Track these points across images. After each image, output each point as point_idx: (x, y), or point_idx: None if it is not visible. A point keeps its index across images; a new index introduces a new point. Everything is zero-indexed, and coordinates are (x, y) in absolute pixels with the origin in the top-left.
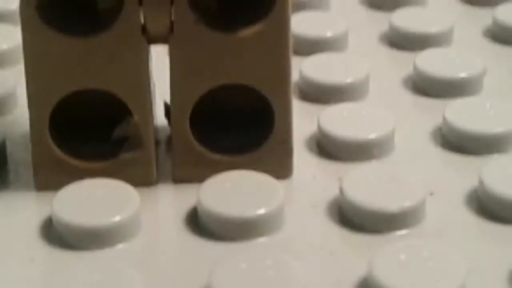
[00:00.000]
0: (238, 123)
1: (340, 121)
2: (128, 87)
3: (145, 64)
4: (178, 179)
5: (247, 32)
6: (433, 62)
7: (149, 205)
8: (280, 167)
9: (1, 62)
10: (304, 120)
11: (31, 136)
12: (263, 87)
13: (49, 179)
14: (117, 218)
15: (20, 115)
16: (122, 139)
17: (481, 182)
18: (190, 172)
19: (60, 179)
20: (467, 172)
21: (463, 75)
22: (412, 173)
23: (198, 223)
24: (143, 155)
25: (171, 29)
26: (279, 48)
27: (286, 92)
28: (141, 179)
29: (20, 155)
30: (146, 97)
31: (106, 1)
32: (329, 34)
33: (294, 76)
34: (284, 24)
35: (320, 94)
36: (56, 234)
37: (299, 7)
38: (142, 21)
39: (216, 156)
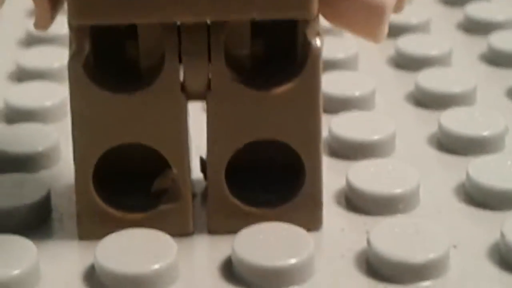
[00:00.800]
0: (271, 177)
1: (367, 176)
2: (167, 141)
3: (184, 120)
4: (213, 230)
5: (280, 90)
6: (457, 121)
7: (186, 254)
8: (310, 220)
9: (46, 118)
10: (333, 175)
11: (75, 187)
12: (294, 143)
13: (91, 228)
14: (156, 266)
15: (64, 168)
16: (161, 191)
17: (502, 236)
18: (225, 224)
19: (103, 229)
20: (489, 226)
21: (485, 133)
22: (436, 227)
23: (233, 272)
24: (181, 207)
25: (209, 86)
26: (310, 105)
27: (316, 148)
28: (179, 229)
29: (64, 206)
30: (184, 152)
31: (147, 59)
32: (357, 93)
33: (324, 133)
34: (315, 83)
35: (349, 150)
36: (98, 282)
37: (329, 67)
38: (181, 78)
39: (250, 209)
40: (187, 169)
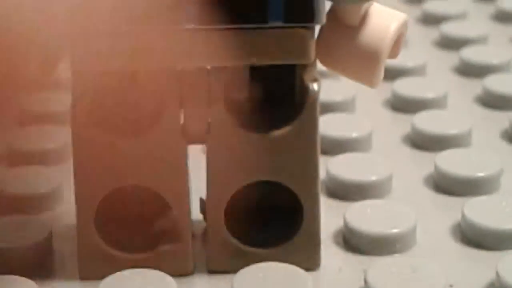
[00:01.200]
0: (270, 217)
1: (364, 216)
2: (167, 184)
3: (184, 163)
4: (213, 269)
5: (279, 133)
6: (453, 162)
7: None
8: (309, 259)
9: (48, 161)
10: (330, 215)
11: (77, 229)
12: (293, 184)
13: (93, 269)
14: None
15: (66, 209)
16: (161, 232)
17: (498, 276)
18: (224, 263)
19: (104, 269)
20: (484, 266)
21: (481, 174)
22: (432, 266)
23: None
24: (181, 247)
25: (208, 130)
26: (308, 148)
27: (314, 190)
28: (179, 269)
29: (66, 247)
30: (184, 193)
31: (147, 104)
32: (354, 134)
33: (322, 174)
34: (312, 126)
35: (346, 191)
36: None
37: (327, 109)
38: (181, 122)
39: (249, 249)
40: (187, 210)
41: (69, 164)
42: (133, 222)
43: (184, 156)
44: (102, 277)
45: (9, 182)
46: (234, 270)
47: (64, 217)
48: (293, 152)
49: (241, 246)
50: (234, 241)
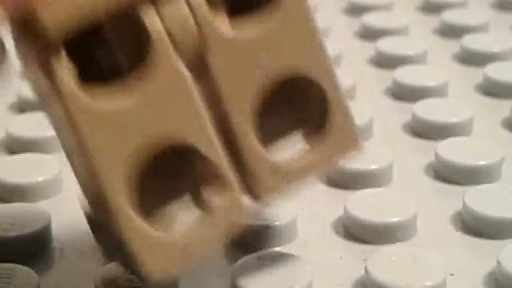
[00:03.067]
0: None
1: (365, 205)
2: (188, 127)
3: (194, 95)
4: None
5: (271, 15)
6: (454, 151)
7: None
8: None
9: (47, 148)
10: (331, 204)
11: (115, 221)
12: (310, 68)
13: (156, 262)
14: None
15: (65, 198)
16: (204, 186)
17: (499, 264)
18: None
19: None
20: (485, 255)
21: (482, 163)
22: (433, 255)
23: None
24: (231, 195)
25: (203, 44)
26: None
27: (331, 70)
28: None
29: (64, 235)
30: (207, 128)
31: (126, 54)
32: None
33: None
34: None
35: (346, 180)
36: None
37: None
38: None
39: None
40: (217, 147)
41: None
42: (172, 188)
43: (192, 87)
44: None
45: (8, 170)
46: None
47: (64, 205)
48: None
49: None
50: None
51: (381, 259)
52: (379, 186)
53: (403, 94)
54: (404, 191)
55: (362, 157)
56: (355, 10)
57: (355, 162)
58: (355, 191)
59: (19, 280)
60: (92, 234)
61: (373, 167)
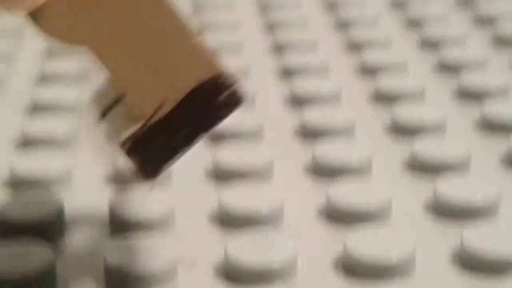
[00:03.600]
0: None
1: (364, 243)
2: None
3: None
4: None
5: None
6: (452, 188)
7: None
8: None
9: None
10: (329, 241)
11: None
12: None
13: None
14: None
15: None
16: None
17: None
18: None
19: None
20: None
21: (480, 200)
22: None
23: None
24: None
25: None
26: None
27: None
28: None
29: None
30: None
31: None
32: (354, 160)
33: (321, 200)
34: None
35: (345, 217)
36: None
37: (326, 134)
38: None
39: None
40: None
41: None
42: None
43: None
44: None
45: (11, 207)
46: None
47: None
48: None
49: None
50: None
51: None
52: (378, 222)
53: (401, 131)
54: (402, 228)
55: (361, 194)
56: (353, 47)
57: (355, 199)
58: (354, 227)
59: None
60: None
61: (372, 204)
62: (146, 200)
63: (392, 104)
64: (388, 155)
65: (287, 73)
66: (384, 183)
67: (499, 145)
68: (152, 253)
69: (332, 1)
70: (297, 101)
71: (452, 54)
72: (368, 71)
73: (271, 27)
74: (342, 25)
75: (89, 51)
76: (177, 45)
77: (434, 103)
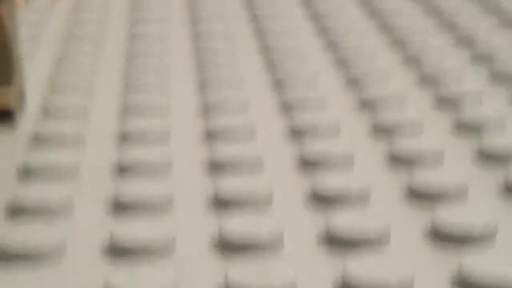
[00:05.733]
0: None
1: (363, 269)
2: None
3: None
4: None
5: None
6: (450, 216)
7: None
8: None
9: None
10: (330, 269)
11: None
12: None
13: None
14: None
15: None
16: None
17: None
18: None
19: None
20: None
21: (478, 227)
22: None
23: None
24: None
25: None
26: None
27: None
28: None
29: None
30: None
31: None
32: (353, 189)
33: (320, 227)
34: None
35: (345, 244)
36: None
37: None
38: None
39: None
40: None
41: None
42: None
43: None
44: None
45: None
46: None
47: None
48: None
49: None
50: None
51: None
52: (376, 251)
53: (400, 161)
54: (400, 257)
55: (358, 221)
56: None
57: (353, 227)
58: (352, 256)
59: None
60: None
61: (371, 231)
62: (146, 227)
63: (390, 135)
64: (387, 184)
65: (288, 107)
66: (383, 211)
67: (496, 175)
68: (153, 280)
69: (333, 38)
70: (297, 133)
71: (449, 88)
72: (367, 104)
73: (271, 63)
74: (342, 62)
75: None
76: None
77: (432, 135)
